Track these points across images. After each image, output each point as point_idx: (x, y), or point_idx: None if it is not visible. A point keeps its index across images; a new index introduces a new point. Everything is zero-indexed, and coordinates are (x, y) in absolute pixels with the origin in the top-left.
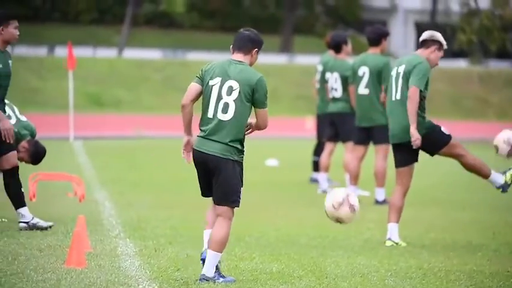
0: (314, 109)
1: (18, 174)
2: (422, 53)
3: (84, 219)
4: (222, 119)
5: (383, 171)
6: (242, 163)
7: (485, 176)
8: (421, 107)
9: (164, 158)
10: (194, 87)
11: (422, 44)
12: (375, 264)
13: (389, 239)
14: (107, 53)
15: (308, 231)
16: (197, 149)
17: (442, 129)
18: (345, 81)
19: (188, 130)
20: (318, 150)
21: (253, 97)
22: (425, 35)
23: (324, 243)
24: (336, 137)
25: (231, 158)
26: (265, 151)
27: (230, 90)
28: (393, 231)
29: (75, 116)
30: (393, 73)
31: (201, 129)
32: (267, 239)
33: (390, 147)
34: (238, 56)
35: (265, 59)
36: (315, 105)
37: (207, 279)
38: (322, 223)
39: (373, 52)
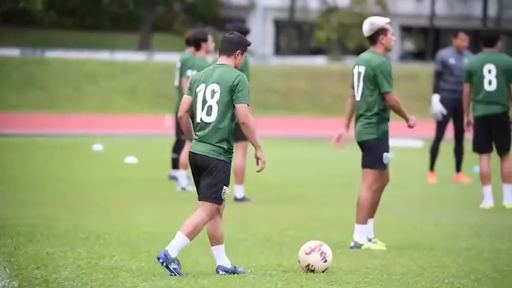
0: (173, 107)
1: None
2: (376, 49)
3: None
4: (206, 121)
5: (242, 168)
6: (229, 164)
7: (360, 220)
8: (383, 108)
9: (25, 156)
10: (186, 99)
11: (370, 41)
12: (235, 261)
13: (353, 239)
14: None
15: (168, 228)
16: (190, 150)
17: (386, 154)
18: None
19: (190, 138)
20: (177, 148)
21: (233, 95)
22: (366, 31)
23: None
24: None
25: (218, 158)
26: (124, 148)
27: (212, 93)
28: (357, 232)
29: None
30: (355, 72)
31: (194, 134)
32: (128, 236)
33: (249, 145)
34: (222, 59)
35: (123, 56)
36: (174, 103)
37: (166, 257)
38: (182, 220)
39: None
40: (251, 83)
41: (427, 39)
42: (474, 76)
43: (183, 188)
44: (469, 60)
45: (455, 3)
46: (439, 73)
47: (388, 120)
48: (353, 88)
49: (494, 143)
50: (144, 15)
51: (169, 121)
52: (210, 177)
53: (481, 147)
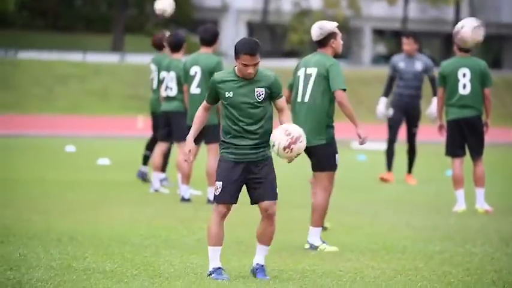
0: (146, 108)
1: None
2: (326, 51)
3: None
4: None
5: (215, 170)
6: (220, 158)
7: (314, 223)
8: (330, 112)
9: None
10: None
11: (320, 45)
12: (208, 264)
13: (308, 242)
14: None
15: (141, 230)
16: None
17: (337, 156)
18: (180, 81)
19: None
20: (151, 145)
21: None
22: (316, 35)
23: (157, 243)
24: (168, 137)
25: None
26: (96, 150)
27: None
28: (312, 234)
29: None
30: (300, 74)
31: None
32: (100, 238)
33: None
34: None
35: (96, 58)
36: (148, 104)
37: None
38: (155, 222)
39: (205, 51)
40: None
41: (399, 43)
42: (448, 80)
43: (156, 190)
44: (442, 64)
45: (427, 7)
46: (390, 77)
47: (333, 125)
48: (290, 90)
49: (467, 147)
50: (116, 16)
51: (141, 123)
52: None
53: (453, 151)
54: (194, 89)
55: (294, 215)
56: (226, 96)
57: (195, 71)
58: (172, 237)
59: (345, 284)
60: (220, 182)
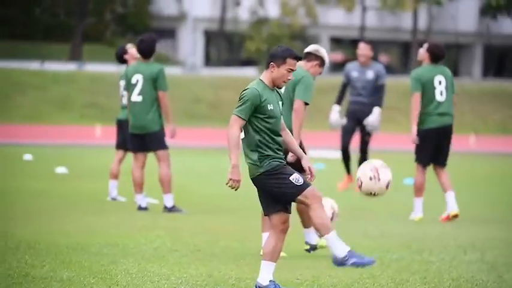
0: (105, 117)
1: None
2: (304, 65)
3: None
4: None
5: (168, 177)
6: (271, 169)
7: (308, 223)
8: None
9: None
10: None
11: (306, 56)
12: (166, 272)
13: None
14: None
15: (98, 239)
16: None
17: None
18: None
19: None
20: None
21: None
22: (310, 48)
23: (115, 251)
24: (125, 144)
25: (258, 172)
26: (55, 158)
27: None
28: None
29: None
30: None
31: None
32: (58, 246)
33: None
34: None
35: (54, 66)
36: (105, 113)
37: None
38: (112, 231)
39: (144, 60)
40: (180, 93)
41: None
42: (425, 87)
43: (114, 199)
44: (417, 71)
45: (385, 15)
46: (343, 85)
47: None
48: None
49: (438, 155)
50: (75, 25)
51: (99, 131)
52: (271, 193)
53: (426, 160)
54: (135, 97)
55: (250, 224)
56: (269, 109)
57: (137, 79)
58: (130, 246)
59: None
60: (295, 174)
